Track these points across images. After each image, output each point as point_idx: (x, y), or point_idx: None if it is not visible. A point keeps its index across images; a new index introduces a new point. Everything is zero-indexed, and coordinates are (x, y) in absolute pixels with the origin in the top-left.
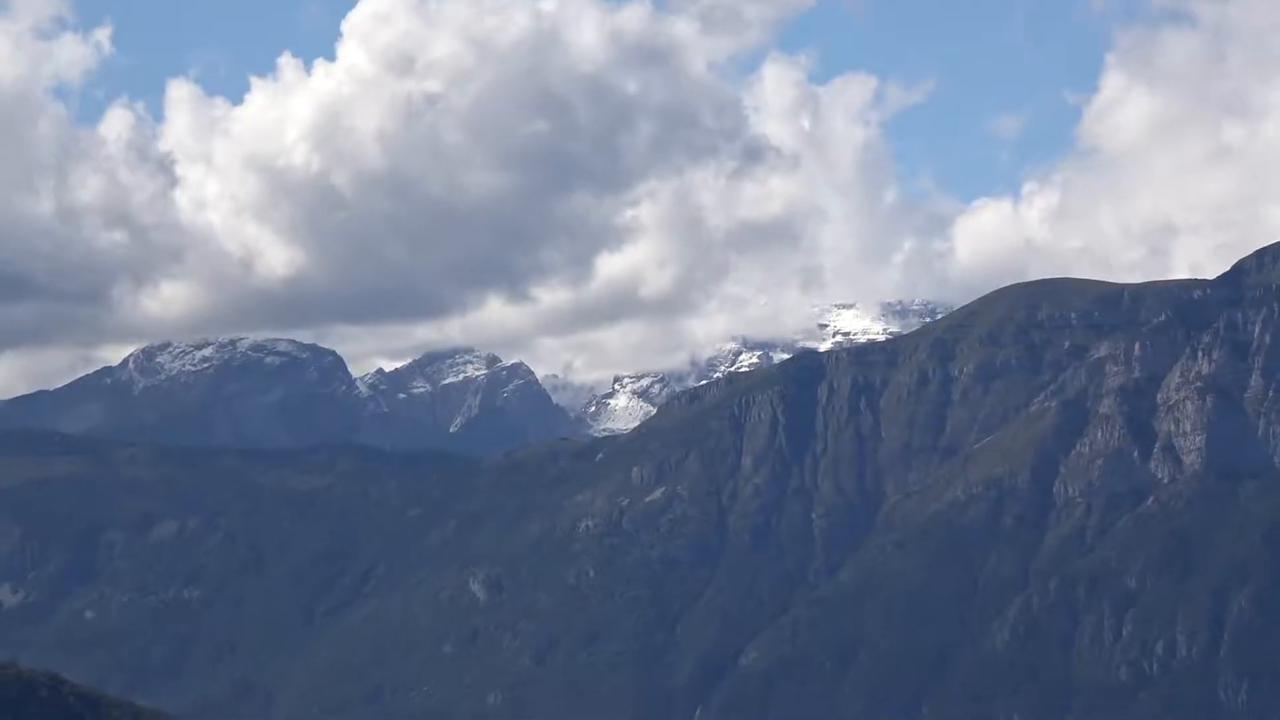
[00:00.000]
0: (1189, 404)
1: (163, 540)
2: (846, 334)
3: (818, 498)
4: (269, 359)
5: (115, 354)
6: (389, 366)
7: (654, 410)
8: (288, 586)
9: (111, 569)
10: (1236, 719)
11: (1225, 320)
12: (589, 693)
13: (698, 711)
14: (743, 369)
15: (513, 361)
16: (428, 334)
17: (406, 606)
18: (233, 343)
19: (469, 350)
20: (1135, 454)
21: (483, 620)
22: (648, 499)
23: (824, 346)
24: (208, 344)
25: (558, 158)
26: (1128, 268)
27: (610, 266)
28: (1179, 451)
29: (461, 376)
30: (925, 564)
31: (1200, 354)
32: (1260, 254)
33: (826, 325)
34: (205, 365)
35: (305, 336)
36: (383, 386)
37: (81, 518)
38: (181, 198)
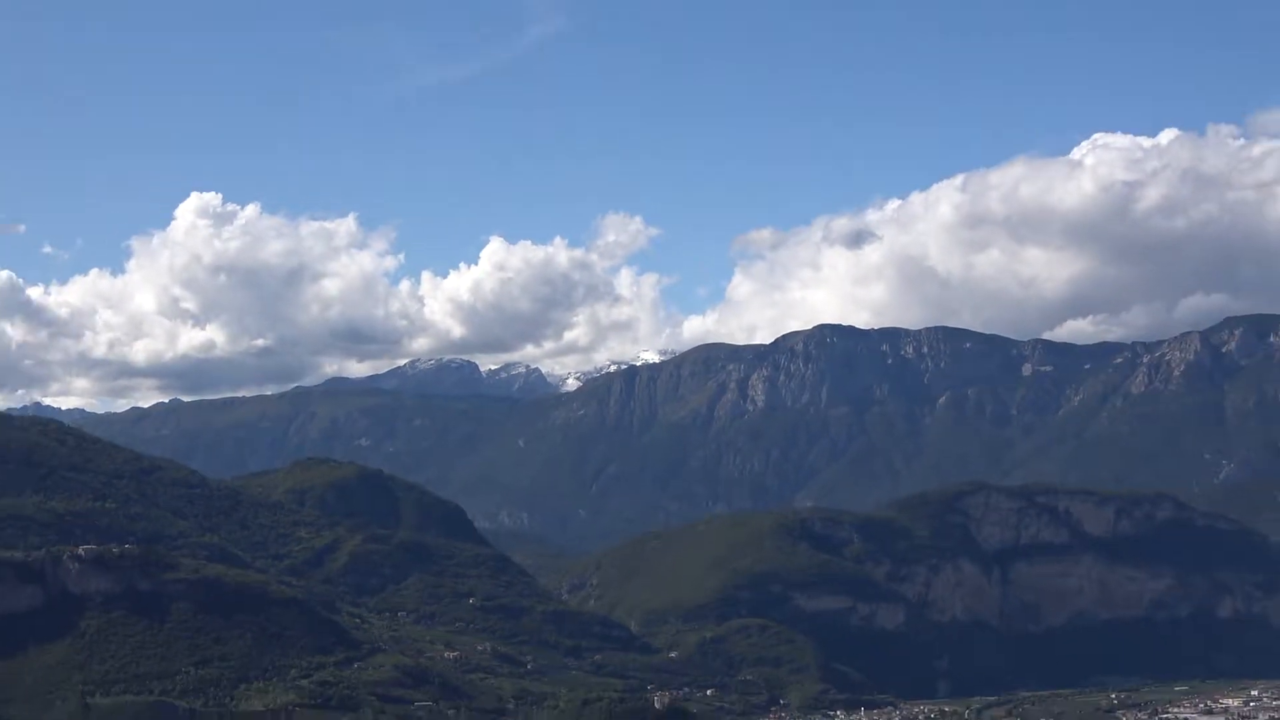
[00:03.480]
0: (760, 385)
1: (414, 427)
2: (647, 361)
3: (635, 415)
4: (453, 365)
5: (401, 361)
6: (494, 365)
7: (582, 384)
8: (465, 438)
9: (404, 434)
10: (769, 488)
11: (772, 358)
12: (557, 474)
13: (594, 486)
14: (610, 370)
15: (535, 366)
16: (507, 356)
17: (513, 442)
18: (440, 358)
19: (520, 363)
20: (743, 401)
21: (526, 452)
22: (580, 413)
23: (639, 364)
24: (434, 359)
25: (552, 300)
26: (742, 340)
27: (569, 335)
28: (756, 400)
29: (517, 373)
30: (667, 437)
31: (765, 369)
32: (786, 336)
33: (639, 357)
34: (431, 366)
35: (467, 356)
36: (492, 374)
37: (389, 419)
38: (425, 310)
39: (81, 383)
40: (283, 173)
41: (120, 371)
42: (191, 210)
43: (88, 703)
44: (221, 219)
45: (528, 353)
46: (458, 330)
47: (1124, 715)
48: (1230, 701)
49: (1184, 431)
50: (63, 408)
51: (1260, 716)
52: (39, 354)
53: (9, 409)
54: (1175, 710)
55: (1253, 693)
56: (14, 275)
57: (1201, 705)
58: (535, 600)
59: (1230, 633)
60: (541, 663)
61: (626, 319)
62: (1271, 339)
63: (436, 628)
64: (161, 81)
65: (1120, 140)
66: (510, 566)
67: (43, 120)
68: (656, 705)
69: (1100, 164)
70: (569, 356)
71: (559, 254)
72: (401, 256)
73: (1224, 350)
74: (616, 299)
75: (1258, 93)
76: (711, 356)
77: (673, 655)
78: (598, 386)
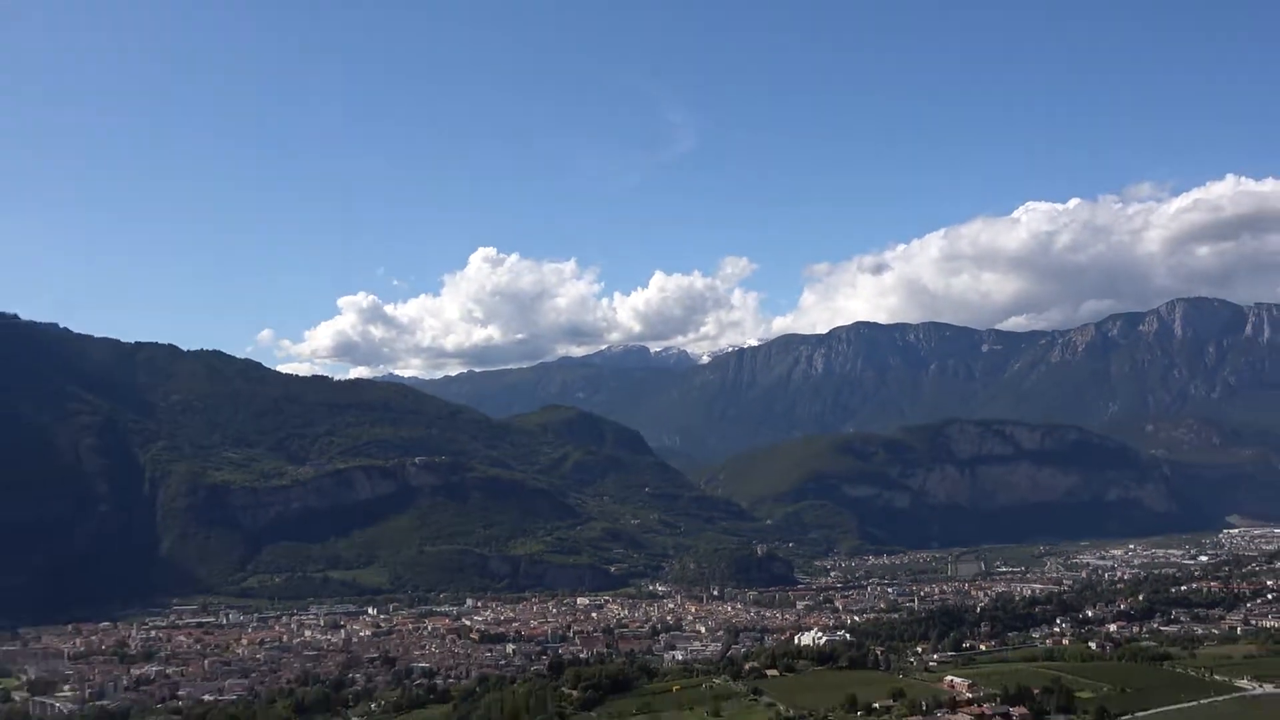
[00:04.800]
0: (819, 359)
1: (611, 386)
2: (750, 345)
3: (743, 378)
4: (634, 348)
5: (603, 346)
6: (658, 349)
7: (711, 359)
8: (641, 393)
9: (605, 390)
10: (827, 422)
11: (827, 342)
12: (696, 414)
13: (719, 421)
14: (728, 350)
15: (683, 349)
16: (665, 343)
17: (670, 395)
18: (626, 344)
19: (674, 347)
20: (809, 369)
21: (678, 401)
22: (710, 377)
23: (745, 347)
24: (622, 345)
25: (692, 308)
26: (808, 331)
27: (703, 329)
28: (817, 367)
29: (672, 352)
30: (763, 391)
31: (823, 349)
32: (835, 328)
33: (746, 343)
34: (620, 350)
35: (642, 343)
36: (657, 354)
37: (596, 381)
38: (616, 315)
39: (415, 361)
40: (533, 234)
41: (438, 354)
42: (479, 257)
43: (422, 550)
44: (496, 262)
45: (678, 340)
46: (636, 327)
47: (1048, 559)
48: (1116, 552)
49: (1085, 385)
50: (404, 376)
51: (1134, 560)
52: (391, 344)
53: (374, 377)
54: (1081, 557)
55: (1130, 546)
56: (377, 298)
57: (1098, 554)
58: (684, 489)
59: (1115, 510)
60: (688, 527)
61: (737, 319)
62: (1140, 327)
63: (626, 506)
64: (457, 179)
65: (1043, 205)
66: (669, 469)
67: (393, 202)
68: (758, 552)
69: (1030, 220)
70: (703, 342)
71: (697, 281)
72: (602, 284)
73: (1110, 335)
74: (731, 307)
75: (1129, 174)
76: (790, 342)
77: (768, 522)
78: (721, 361)
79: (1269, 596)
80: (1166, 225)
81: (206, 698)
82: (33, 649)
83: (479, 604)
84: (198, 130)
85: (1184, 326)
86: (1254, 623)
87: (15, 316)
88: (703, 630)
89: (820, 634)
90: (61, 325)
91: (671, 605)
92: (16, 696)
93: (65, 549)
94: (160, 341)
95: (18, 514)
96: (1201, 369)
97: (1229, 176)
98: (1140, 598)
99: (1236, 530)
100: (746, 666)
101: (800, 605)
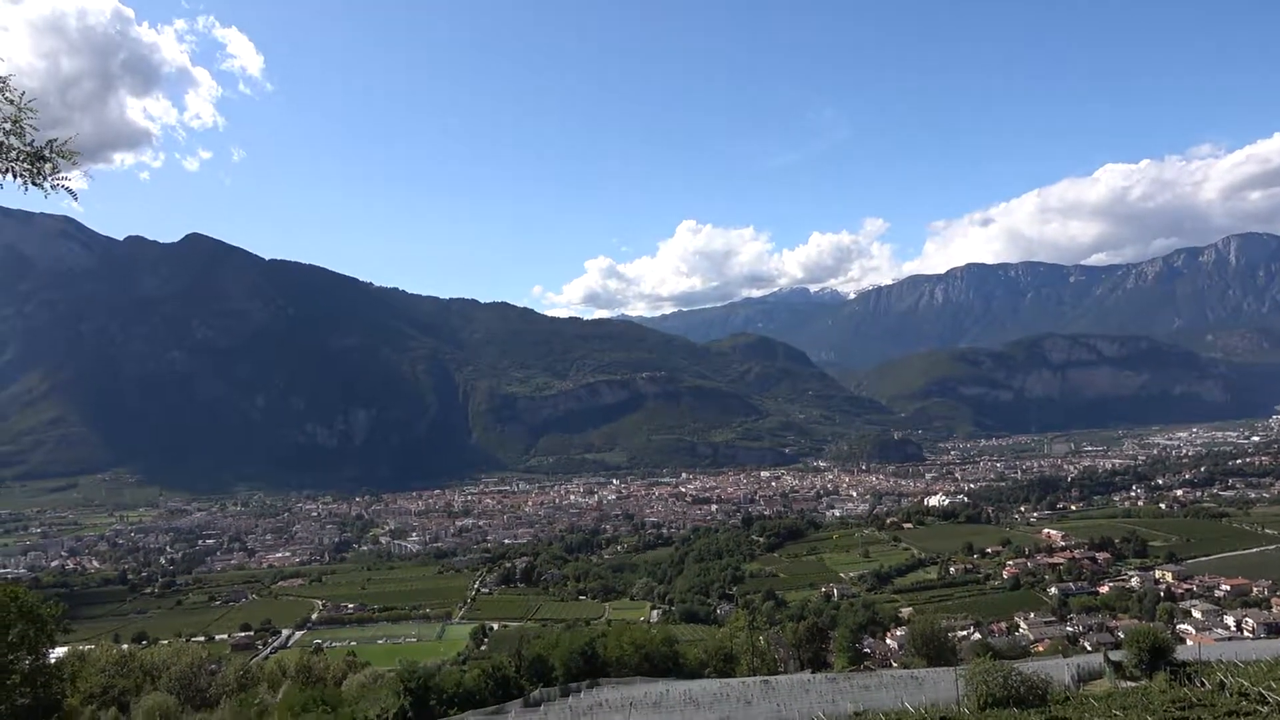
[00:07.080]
0: (939, 292)
1: (780, 317)
2: (885, 284)
3: (881, 308)
4: (797, 290)
5: (775, 289)
6: (815, 289)
7: (856, 296)
8: (802, 322)
9: (777, 320)
10: (946, 338)
11: (945, 280)
12: (846, 336)
13: (862, 339)
14: (869, 288)
15: (834, 289)
16: (821, 284)
17: (825, 323)
18: (791, 287)
19: (828, 287)
20: (931, 300)
21: (831, 327)
22: (856, 309)
23: (882, 285)
24: (789, 288)
25: (840, 257)
26: (930, 271)
27: (850, 274)
28: (937, 299)
29: (827, 291)
30: (896, 319)
31: (942, 284)
32: (952, 269)
33: (882, 282)
34: (787, 290)
35: (803, 285)
36: (814, 293)
37: (769, 313)
38: (784, 265)
39: (640, 305)
40: (721, 209)
41: (656, 299)
42: (684, 228)
43: (649, 439)
44: (696, 231)
45: (830, 282)
46: (799, 274)
47: (1125, 441)
48: (1181, 434)
49: (1154, 306)
50: (633, 315)
51: (1196, 440)
52: (622, 293)
53: (611, 317)
54: (1152, 439)
55: (1193, 430)
56: (612, 260)
57: (1166, 436)
58: (837, 392)
59: (1180, 402)
60: (841, 419)
61: (876, 265)
62: (1199, 260)
63: (794, 404)
64: (668, 172)
65: (1118, 166)
66: (826, 377)
67: (624, 191)
68: (895, 437)
69: (1108, 179)
70: (849, 283)
71: (844, 238)
72: (773, 243)
73: (1175, 265)
74: (871, 256)
75: (1190, 138)
76: (916, 279)
77: (902, 415)
78: (864, 296)
79: None
80: (1222, 177)
81: (506, 541)
82: (391, 508)
83: (690, 476)
84: (502, 136)
85: (1237, 256)
86: None
87: (370, 284)
88: (854, 495)
89: (944, 497)
90: (401, 288)
91: (830, 476)
92: (382, 540)
93: (409, 440)
94: (466, 297)
95: (380, 418)
96: (1254, 289)
97: (1277, 134)
98: (1202, 469)
99: None
100: (888, 521)
101: (928, 476)
